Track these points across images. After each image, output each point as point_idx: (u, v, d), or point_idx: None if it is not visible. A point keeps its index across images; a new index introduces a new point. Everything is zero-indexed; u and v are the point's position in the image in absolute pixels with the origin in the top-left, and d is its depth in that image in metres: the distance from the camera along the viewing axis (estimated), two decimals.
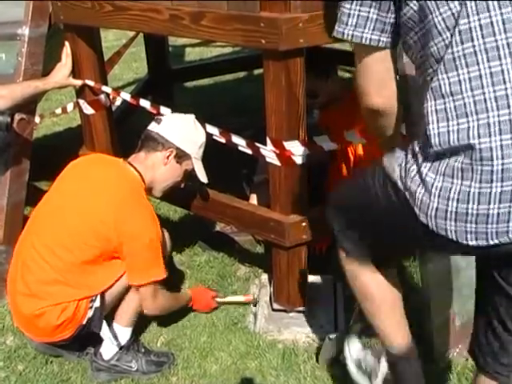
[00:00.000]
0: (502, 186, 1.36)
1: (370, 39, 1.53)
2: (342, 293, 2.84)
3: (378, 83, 1.60)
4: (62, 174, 2.61)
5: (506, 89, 1.34)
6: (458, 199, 1.41)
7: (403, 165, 1.54)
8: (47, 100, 5.31)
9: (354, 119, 2.78)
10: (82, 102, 3.10)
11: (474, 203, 1.40)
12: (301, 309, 2.73)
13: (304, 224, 2.54)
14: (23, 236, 2.55)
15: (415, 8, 1.44)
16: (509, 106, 1.34)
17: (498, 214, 1.38)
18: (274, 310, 2.78)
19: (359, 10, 1.51)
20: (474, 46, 1.35)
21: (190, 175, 2.68)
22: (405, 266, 3.02)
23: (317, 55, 3.16)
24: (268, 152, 2.46)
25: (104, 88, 3.04)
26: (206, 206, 2.84)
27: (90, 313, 2.41)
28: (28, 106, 3.00)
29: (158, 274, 2.45)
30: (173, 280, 2.82)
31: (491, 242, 1.42)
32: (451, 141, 1.39)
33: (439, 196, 1.43)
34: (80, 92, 3.09)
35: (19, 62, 2.98)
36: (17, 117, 2.97)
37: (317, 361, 2.52)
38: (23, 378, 2.55)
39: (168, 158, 2.58)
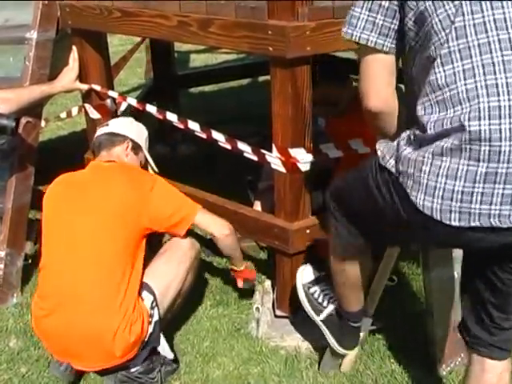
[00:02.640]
0: (487, 167, 1.44)
1: (376, 42, 1.64)
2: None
3: (378, 86, 1.70)
4: (49, 196, 2.55)
5: (495, 78, 1.44)
6: (446, 175, 1.48)
7: (395, 151, 1.62)
8: (52, 104, 5.33)
9: (363, 128, 2.81)
10: (88, 106, 3.12)
11: (460, 180, 1.47)
12: (299, 315, 2.73)
13: (308, 231, 2.55)
14: (51, 269, 2.40)
15: (417, 13, 1.54)
16: (498, 94, 1.43)
17: (483, 193, 1.46)
18: (276, 316, 2.78)
19: (368, 15, 1.63)
20: (467, 42, 1.46)
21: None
22: (408, 273, 3.03)
23: (336, 64, 3.19)
24: (273, 159, 2.47)
25: (110, 93, 3.06)
26: (210, 212, 2.84)
27: (151, 328, 2.36)
28: (34, 109, 3.01)
29: (196, 203, 2.55)
30: None
31: (472, 224, 1.48)
32: (444, 124, 1.48)
33: (429, 173, 1.51)
34: (86, 96, 3.11)
35: (26, 65, 2.99)
36: (23, 120, 2.99)
37: (318, 368, 2.52)
38: (26, 380, 2.55)
39: (127, 149, 2.69)
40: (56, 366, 2.45)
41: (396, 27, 1.62)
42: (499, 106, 1.42)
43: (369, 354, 2.55)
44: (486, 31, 1.45)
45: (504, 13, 1.45)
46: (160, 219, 2.46)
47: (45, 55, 3.01)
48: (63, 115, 3.90)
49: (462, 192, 1.47)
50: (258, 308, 2.84)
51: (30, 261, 3.14)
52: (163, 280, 2.45)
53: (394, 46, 1.65)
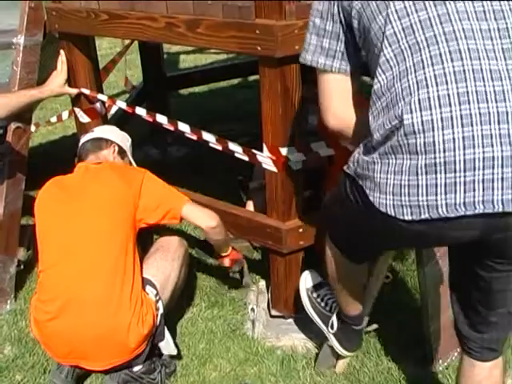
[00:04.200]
0: (425, 159, 1.47)
1: (324, 64, 1.73)
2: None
3: (334, 106, 1.79)
4: (41, 201, 2.54)
5: (424, 73, 1.48)
6: (394, 171, 1.52)
7: (356, 158, 1.68)
8: (42, 109, 5.31)
9: None
10: (77, 110, 3.11)
11: (405, 175, 1.50)
12: (299, 315, 2.73)
13: (301, 230, 2.55)
14: (50, 273, 2.38)
15: (361, 32, 1.63)
16: (427, 86, 1.47)
17: (427, 185, 1.48)
18: (272, 316, 2.78)
19: (316, 40, 1.74)
20: (399, 46, 1.53)
21: None
22: (402, 270, 3.03)
23: None
24: (264, 158, 2.46)
25: (100, 96, 3.05)
26: None
27: (157, 321, 2.39)
28: (24, 114, 2.99)
29: (184, 196, 2.59)
30: None
31: (423, 216, 1.50)
32: (385, 125, 1.53)
33: (380, 171, 1.55)
34: (76, 100, 3.10)
35: (14, 70, 2.97)
36: (12, 126, 2.97)
37: (314, 366, 2.52)
38: None
39: (114, 153, 2.73)
40: (56, 373, 2.44)
41: (342, 49, 1.71)
42: (428, 98, 1.46)
43: (365, 352, 2.55)
44: (414, 32, 1.51)
45: (428, 13, 1.51)
46: (149, 210, 2.49)
47: (32, 60, 3.00)
48: (53, 120, 3.87)
49: (409, 186, 1.50)
50: (253, 309, 2.84)
51: (22, 267, 3.13)
52: (162, 274, 2.49)
53: (343, 66, 1.73)
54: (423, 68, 1.49)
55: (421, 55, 1.50)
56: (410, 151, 1.48)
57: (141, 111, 2.93)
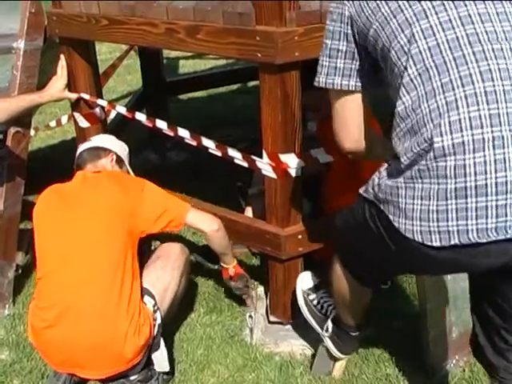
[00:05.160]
0: (455, 183, 1.44)
1: (340, 84, 1.74)
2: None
3: (349, 129, 1.81)
4: (40, 207, 2.53)
5: (454, 94, 1.46)
6: (420, 196, 1.49)
7: (376, 183, 1.65)
8: (41, 113, 5.31)
9: None
10: (77, 115, 3.11)
11: (433, 199, 1.47)
12: (297, 321, 2.73)
13: (300, 236, 2.55)
14: (49, 281, 2.36)
15: (379, 50, 1.61)
16: (457, 108, 1.44)
17: (457, 209, 1.45)
18: (270, 322, 2.78)
19: (329, 61, 1.74)
20: (425, 65, 1.50)
21: None
22: (401, 276, 3.03)
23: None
24: (264, 165, 2.47)
25: (99, 101, 3.05)
26: None
27: (155, 331, 2.37)
28: (23, 119, 3.00)
29: (186, 203, 2.59)
30: None
31: (452, 242, 1.47)
32: (413, 148, 1.50)
33: (405, 196, 1.52)
34: (75, 105, 3.10)
35: (14, 75, 2.98)
36: (12, 130, 2.98)
37: (310, 368, 2.52)
38: None
39: (112, 162, 2.72)
40: (53, 380, 2.44)
41: (357, 66, 1.71)
42: (459, 120, 1.44)
43: (363, 358, 2.55)
44: (441, 52, 1.48)
45: (455, 32, 1.49)
46: (151, 220, 2.48)
47: (32, 64, 3.00)
48: (53, 124, 3.88)
49: (437, 211, 1.47)
50: (250, 316, 2.83)
51: (21, 271, 3.13)
52: (161, 284, 2.47)
53: (358, 83, 1.73)
54: (453, 89, 1.46)
55: (449, 75, 1.47)
56: (439, 175, 1.45)
57: (140, 116, 2.93)
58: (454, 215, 1.45)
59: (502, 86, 1.44)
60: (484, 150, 1.42)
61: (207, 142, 2.69)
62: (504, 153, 1.42)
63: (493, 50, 1.47)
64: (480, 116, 1.43)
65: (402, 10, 1.53)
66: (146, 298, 2.39)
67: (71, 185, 2.59)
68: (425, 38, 1.50)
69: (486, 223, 1.43)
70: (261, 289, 2.98)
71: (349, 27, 1.66)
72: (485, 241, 1.44)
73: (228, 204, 2.92)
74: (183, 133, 2.74)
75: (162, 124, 2.83)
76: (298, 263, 2.64)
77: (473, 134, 1.42)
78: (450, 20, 1.50)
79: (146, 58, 4.63)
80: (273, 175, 2.45)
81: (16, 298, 3.07)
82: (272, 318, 2.76)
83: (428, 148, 1.46)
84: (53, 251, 2.40)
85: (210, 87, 5.58)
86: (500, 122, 1.43)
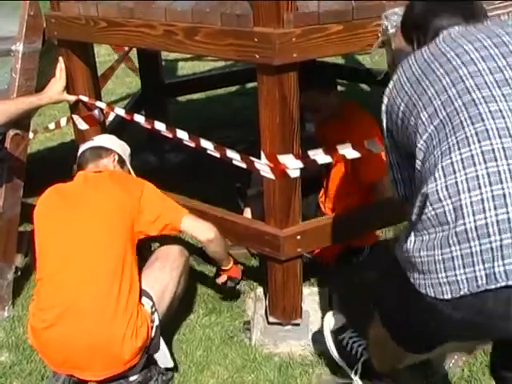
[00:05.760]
0: (455, 227, 1.39)
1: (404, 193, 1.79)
2: (337, 305, 2.84)
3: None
4: (41, 208, 2.53)
5: (476, 170, 1.39)
6: (427, 247, 1.44)
7: (400, 246, 1.59)
8: (40, 115, 5.32)
9: (348, 132, 2.82)
10: (76, 117, 3.11)
11: (438, 249, 1.41)
12: (296, 322, 2.74)
13: (299, 237, 2.55)
14: (50, 283, 2.36)
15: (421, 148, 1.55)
16: (450, 153, 1.42)
17: (461, 255, 1.37)
18: (269, 323, 2.78)
19: (401, 174, 1.77)
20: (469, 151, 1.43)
21: None
22: None
23: (321, 70, 3.20)
24: (262, 166, 2.47)
25: (98, 103, 3.05)
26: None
27: (153, 333, 2.37)
28: (22, 121, 3.00)
29: (183, 208, 2.59)
30: None
31: (462, 292, 1.39)
32: (416, 202, 1.49)
33: (414, 250, 1.48)
34: (74, 107, 3.10)
35: (13, 77, 2.98)
36: (11, 132, 2.98)
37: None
38: None
39: (114, 162, 2.73)
40: (52, 381, 2.44)
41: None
42: (451, 163, 1.42)
43: None
44: (469, 145, 1.42)
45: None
46: (149, 221, 2.48)
47: (31, 67, 3.00)
48: (52, 126, 3.88)
49: (443, 260, 1.40)
50: (248, 321, 2.84)
51: (20, 273, 3.13)
52: (159, 285, 2.47)
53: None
54: (446, 138, 1.45)
55: (439, 119, 1.48)
56: (441, 222, 1.40)
57: (139, 118, 2.94)
58: (460, 262, 1.38)
59: (495, 124, 1.41)
60: (480, 188, 1.36)
61: (206, 144, 2.69)
62: (503, 188, 1.35)
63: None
64: (472, 155, 1.38)
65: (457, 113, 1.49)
66: (144, 300, 2.39)
67: (72, 185, 2.60)
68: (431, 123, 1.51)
69: (493, 267, 1.35)
70: (260, 290, 2.99)
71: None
72: (493, 286, 1.35)
73: (227, 205, 2.92)
74: (182, 134, 2.75)
75: (160, 126, 2.83)
76: (296, 264, 2.64)
77: (466, 174, 1.37)
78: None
79: (145, 59, 4.64)
80: (271, 176, 2.46)
81: (15, 300, 3.08)
82: (271, 319, 2.76)
83: (425, 197, 1.42)
84: (53, 252, 2.40)
85: (209, 89, 5.58)
86: (495, 157, 1.37)
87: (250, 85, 5.66)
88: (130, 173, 2.83)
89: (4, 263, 3.00)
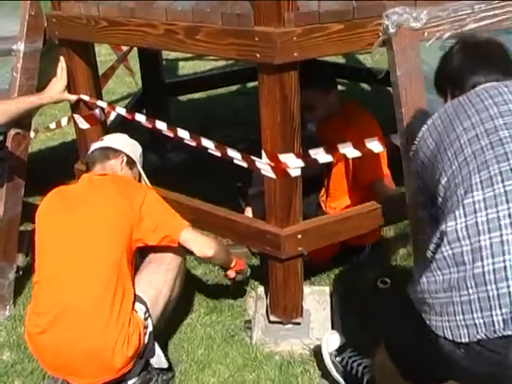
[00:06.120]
0: (472, 269, 1.37)
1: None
2: (337, 304, 2.85)
3: None
4: (43, 210, 2.52)
5: (497, 211, 1.39)
6: (443, 289, 1.42)
7: (414, 286, 1.58)
8: (41, 115, 5.32)
9: (349, 132, 2.82)
10: (77, 116, 3.12)
11: (455, 290, 1.39)
12: (297, 320, 2.74)
13: (300, 236, 2.55)
14: (47, 284, 2.35)
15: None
16: (472, 191, 1.42)
17: (479, 298, 1.35)
18: (270, 321, 2.78)
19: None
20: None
21: None
22: (401, 275, 3.03)
23: (321, 69, 3.20)
24: (263, 165, 2.47)
25: (99, 103, 3.06)
26: (202, 219, 2.84)
27: (146, 339, 2.35)
28: (23, 120, 3.00)
29: (184, 221, 2.54)
30: None
31: (478, 336, 1.37)
32: (433, 239, 1.49)
33: (429, 291, 1.47)
34: (75, 107, 3.11)
35: (14, 77, 2.98)
36: (12, 132, 2.98)
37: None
38: None
39: (122, 163, 2.70)
40: (51, 382, 2.44)
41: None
42: (473, 202, 1.41)
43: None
44: (492, 184, 1.42)
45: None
46: (149, 230, 2.45)
47: (32, 66, 3.01)
48: (53, 126, 3.88)
49: (461, 302, 1.37)
50: (249, 320, 2.84)
51: (21, 273, 3.14)
52: (153, 289, 2.44)
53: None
54: (473, 191, 1.42)
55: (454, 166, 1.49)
56: (457, 262, 1.38)
57: (140, 117, 2.94)
58: (477, 305, 1.35)
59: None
60: (501, 229, 1.34)
61: (207, 143, 2.69)
62: None
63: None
64: (495, 196, 1.37)
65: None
66: (138, 306, 2.36)
67: (76, 187, 2.59)
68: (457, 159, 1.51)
69: (511, 312, 1.32)
70: (261, 288, 3.00)
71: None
72: (510, 333, 1.33)
73: (228, 204, 2.92)
74: (183, 133, 2.75)
75: (161, 125, 2.83)
76: (297, 263, 2.65)
77: (487, 214, 1.36)
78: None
79: (146, 59, 4.64)
80: (272, 175, 2.46)
81: (17, 300, 3.08)
82: (272, 318, 2.77)
83: (444, 235, 1.40)
84: (51, 256, 2.39)
85: (210, 88, 5.57)
86: None
87: (250, 84, 5.66)
88: (139, 175, 2.80)
89: (5, 262, 3.00)
